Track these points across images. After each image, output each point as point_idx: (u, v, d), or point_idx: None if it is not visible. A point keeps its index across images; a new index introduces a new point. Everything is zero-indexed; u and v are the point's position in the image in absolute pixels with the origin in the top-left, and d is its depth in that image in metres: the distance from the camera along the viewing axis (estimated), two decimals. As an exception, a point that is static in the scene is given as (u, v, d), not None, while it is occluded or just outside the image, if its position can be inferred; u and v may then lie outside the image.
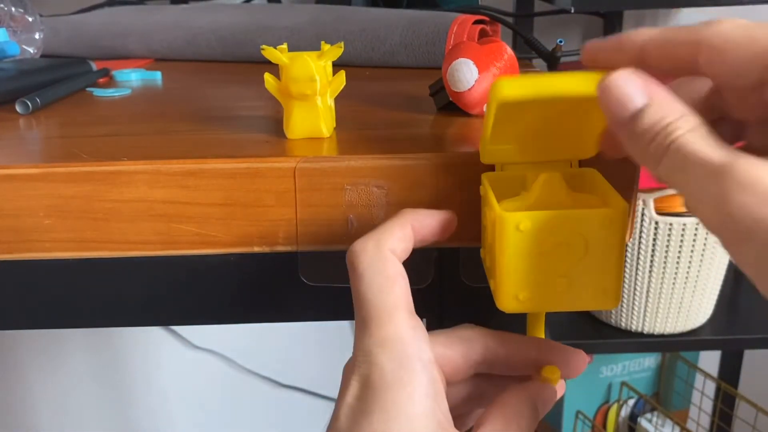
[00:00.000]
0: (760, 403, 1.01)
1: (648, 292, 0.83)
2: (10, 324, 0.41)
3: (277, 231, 0.34)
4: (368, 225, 0.34)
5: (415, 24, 0.57)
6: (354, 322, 0.29)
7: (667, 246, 0.79)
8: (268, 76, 0.36)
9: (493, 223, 0.29)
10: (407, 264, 0.30)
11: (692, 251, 0.80)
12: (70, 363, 1.29)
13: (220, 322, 0.40)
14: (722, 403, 1.12)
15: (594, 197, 0.30)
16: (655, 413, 1.14)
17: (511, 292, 0.29)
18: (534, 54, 0.58)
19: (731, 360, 1.16)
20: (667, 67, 0.26)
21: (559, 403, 1.10)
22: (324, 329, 1.26)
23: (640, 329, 0.86)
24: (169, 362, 1.29)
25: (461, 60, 0.38)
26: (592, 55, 0.28)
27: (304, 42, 0.61)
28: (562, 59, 0.56)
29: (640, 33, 0.26)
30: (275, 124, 0.39)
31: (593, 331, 0.88)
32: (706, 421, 1.18)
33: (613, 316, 0.88)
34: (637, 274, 0.83)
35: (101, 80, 0.56)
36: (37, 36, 0.60)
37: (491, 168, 0.32)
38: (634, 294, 0.84)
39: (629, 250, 0.81)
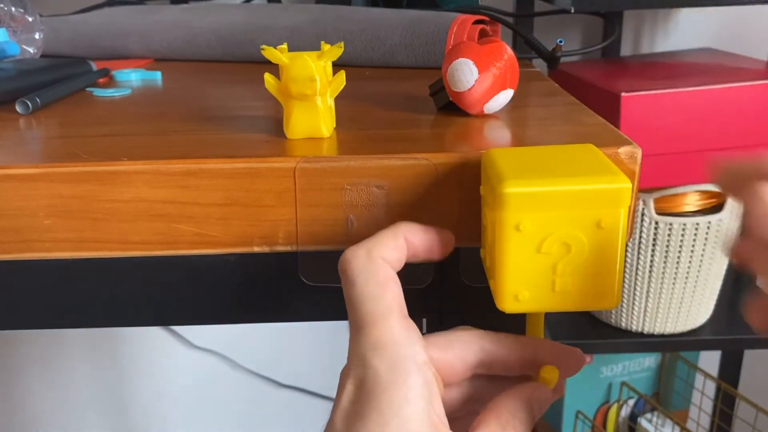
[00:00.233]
0: (760, 403, 1.01)
1: (648, 292, 0.83)
2: (10, 324, 0.41)
3: (277, 231, 0.34)
4: (368, 225, 0.34)
5: (415, 24, 0.57)
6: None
7: (667, 246, 0.79)
8: (268, 76, 0.36)
9: (493, 223, 0.29)
10: (407, 265, 0.30)
11: (692, 251, 0.80)
12: (70, 363, 1.29)
13: (220, 322, 0.40)
14: (722, 403, 1.12)
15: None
16: (655, 413, 1.14)
17: (511, 292, 0.29)
18: (534, 54, 0.58)
19: (731, 360, 1.16)
20: None
21: (559, 403, 1.10)
22: (323, 329, 1.26)
23: (640, 329, 0.86)
24: (168, 362, 1.29)
25: (461, 60, 0.38)
26: (725, 176, 0.27)
27: (304, 42, 0.61)
28: (562, 59, 0.56)
29: None
30: (275, 124, 0.39)
31: (593, 331, 0.88)
32: (706, 421, 1.18)
33: (613, 316, 0.88)
34: (637, 274, 0.83)
35: (101, 80, 0.56)
36: (37, 36, 0.60)
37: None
38: (634, 294, 0.84)
39: (629, 250, 0.81)
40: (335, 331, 1.26)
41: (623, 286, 0.84)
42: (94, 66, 0.57)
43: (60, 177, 0.33)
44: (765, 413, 1.00)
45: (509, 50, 0.39)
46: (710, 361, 1.19)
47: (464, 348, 0.30)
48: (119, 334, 1.27)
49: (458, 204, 0.33)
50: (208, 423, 1.34)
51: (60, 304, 0.39)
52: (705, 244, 0.80)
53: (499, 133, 0.37)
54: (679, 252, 0.80)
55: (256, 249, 0.34)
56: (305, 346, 1.28)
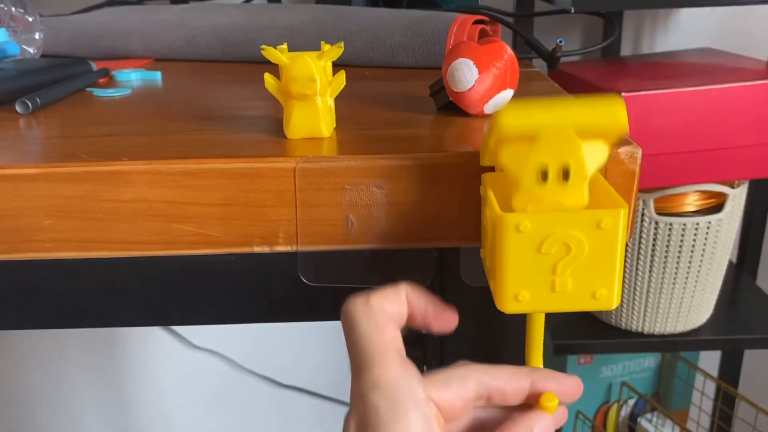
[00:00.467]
0: (760, 403, 1.01)
1: (648, 292, 0.83)
2: (10, 324, 0.41)
3: (277, 231, 0.34)
4: (368, 225, 0.34)
5: (415, 24, 0.57)
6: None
7: (667, 246, 0.79)
8: (268, 76, 0.36)
9: (493, 224, 0.29)
10: (408, 263, 0.30)
11: (692, 251, 0.80)
12: (70, 363, 1.29)
13: (220, 322, 0.40)
14: (722, 403, 1.12)
15: (594, 196, 0.30)
16: (655, 413, 1.14)
17: (511, 292, 0.29)
18: (534, 54, 0.58)
19: (731, 360, 1.16)
20: None
21: (559, 403, 1.10)
22: (324, 329, 1.26)
23: (640, 329, 0.86)
24: (169, 362, 1.29)
25: (461, 60, 0.38)
26: None
27: (304, 42, 0.61)
28: (562, 59, 0.56)
29: None
30: (275, 124, 0.39)
31: (593, 331, 0.88)
32: (706, 421, 1.18)
33: (613, 316, 0.88)
34: (637, 274, 0.83)
35: (101, 80, 0.56)
36: (37, 36, 0.60)
37: (491, 169, 0.32)
38: (634, 294, 0.84)
39: (629, 250, 0.81)
40: (335, 331, 1.25)
41: (623, 286, 0.84)
42: (94, 66, 0.57)
43: (60, 177, 0.33)
44: (765, 413, 1.00)
45: (509, 50, 0.39)
46: (710, 361, 1.19)
47: (461, 385, 0.31)
48: (119, 334, 1.27)
49: (458, 204, 0.33)
50: (208, 423, 1.34)
51: (60, 304, 0.39)
52: (705, 244, 0.80)
53: (499, 133, 0.37)
54: (679, 252, 0.80)
55: (256, 249, 0.34)
56: (305, 346, 1.27)
